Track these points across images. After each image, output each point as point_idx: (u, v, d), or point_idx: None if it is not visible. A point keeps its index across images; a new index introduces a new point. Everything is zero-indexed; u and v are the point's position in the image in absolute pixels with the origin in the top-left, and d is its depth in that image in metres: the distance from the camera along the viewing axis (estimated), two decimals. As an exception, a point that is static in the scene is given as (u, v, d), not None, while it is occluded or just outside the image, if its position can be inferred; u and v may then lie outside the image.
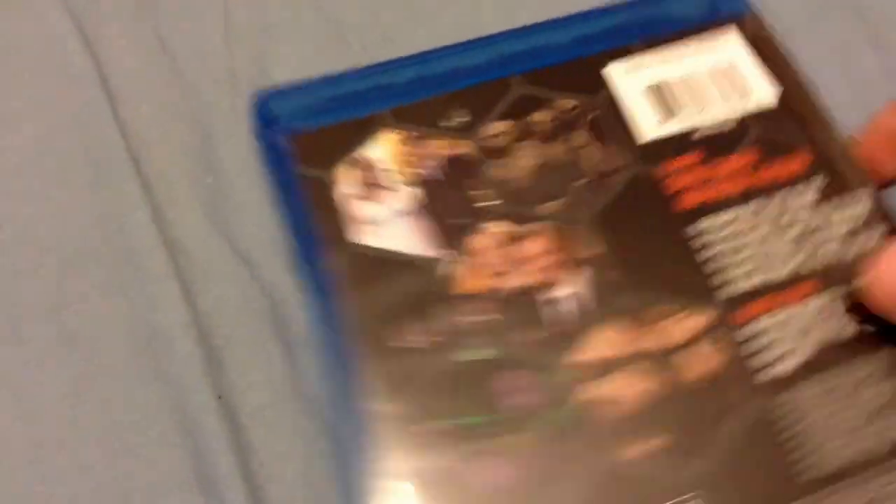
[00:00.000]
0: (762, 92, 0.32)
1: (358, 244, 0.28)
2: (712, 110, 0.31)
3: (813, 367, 0.27)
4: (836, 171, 0.30)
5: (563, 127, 0.31)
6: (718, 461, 0.26)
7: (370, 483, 0.25)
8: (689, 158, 0.31)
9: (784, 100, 0.32)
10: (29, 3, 0.36)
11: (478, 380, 0.27)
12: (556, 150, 0.31)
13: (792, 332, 0.28)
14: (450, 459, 0.25)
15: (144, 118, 0.34)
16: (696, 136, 0.31)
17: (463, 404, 0.26)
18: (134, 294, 0.31)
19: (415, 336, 0.27)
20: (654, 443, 0.26)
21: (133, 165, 0.33)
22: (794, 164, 0.30)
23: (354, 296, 0.28)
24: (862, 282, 0.27)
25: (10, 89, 0.35)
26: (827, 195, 0.30)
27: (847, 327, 0.28)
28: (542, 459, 0.26)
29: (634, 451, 0.26)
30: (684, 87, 0.32)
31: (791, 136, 0.31)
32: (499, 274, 0.28)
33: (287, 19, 0.37)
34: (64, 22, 0.35)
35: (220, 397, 0.29)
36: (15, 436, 0.29)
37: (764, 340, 0.27)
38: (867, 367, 0.27)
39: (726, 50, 0.33)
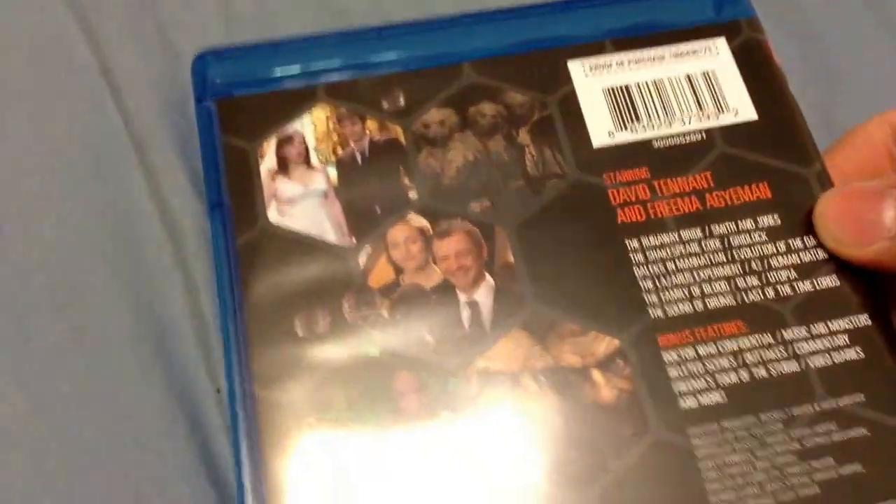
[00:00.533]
0: (740, 108, 0.30)
1: (271, 223, 0.27)
2: (681, 119, 0.29)
3: (729, 407, 0.25)
4: (791, 212, 0.28)
5: (508, 123, 0.29)
6: (613, 490, 0.24)
7: (260, 471, 0.24)
8: (638, 172, 0.28)
9: (761, 121, 0.29)
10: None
11: (379, 376, 0.25)
12: (495, 146, 0.29)
13: (709, 369, 0.25)
14: (341, 454, 0.24)
15: (146, 109, 0.34)
16: (656, 145, 0.29)
17: (361, 399, 0.25)
18: (139, 287, 0.31)
19: (318, 325, 0.26)
20: (550, 467, 0.24)
21: (136, 156, 0.33)
22: (750, 195, 0.28)
23: (261, 277, 0.27)
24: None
25: (11, 81, 0.34)
26: (776, 236, 0.27)
27: (769, 371, 0.25)
28: (437, 464, 0.24)
29: (527, 470, 0.24)
30: (654, 92, 0.30)
31: (756, 163, 0.28)
32: (411, 270, 0.27)
33: (287, 8, 0.37)
34: (65, 13, 0.35)
35: (217, 391, 0.29)
36: (24, 430, 0.29)
37: (678, 372, 0.25)
38: (783, 415, 0.25)
39: (712, 58, 0.30)
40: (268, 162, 0.28)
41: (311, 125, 0.29)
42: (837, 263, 0.27)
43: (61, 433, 0.28)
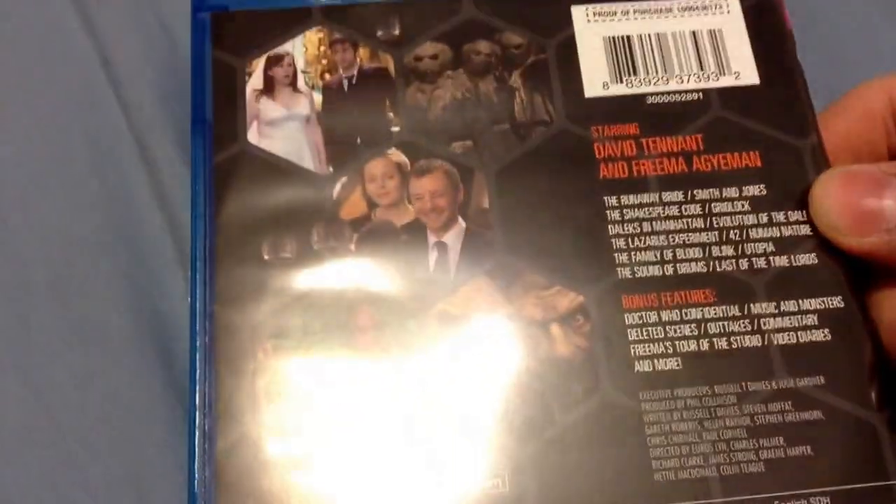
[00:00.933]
0: (743, 71, 0.29)
1: (250, 144, 0.27)
2: (679, 76, 0.28)
3: (684, 375, 0.25)
4: (778, 184, 0.27)
5: (501, 64, 0.29)
6: (556, 444, 0.24)
7: (213, 390, 0.24)
8: (628, 128, 0.28)
9: (762, 86, 0.28)
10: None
11: (339, 309, 0.25)
12: (485, 86, 0.28)
13: (670, 335, 0.25)
14: (293, 380, 0.25)
15: (147, 101, 0.33)
16: (650, 101, 0.28)
17: (319, 330, 0.25)
18: (140, 279, 0.31)
19: (285, 250, 0.26)
20: (497, 414, 0.24)
21: (137, 149, 0.33)
22: (739, 162, 0.27)
23: (234, 196, 0.27)
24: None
25: (10, 73, 0.34)
26: (759, 207, 0.27)
27: (731, 344, 0.25)
28: (386, 402, 0.24)
29: (474, 415, 0.24)
30: (655, 45, 0.29)
31: (750, 130, 0.28)
32: (384, 206, 0.27)
33: None
34: (65, 4, 0.34)
35: None
36: (24, 422, 0.29)
37: (637, 335, 0.25)
38: (738, 389, 0.25)
39: (722, 16, 0.29)
40: (255, 81, 0.28)
41: (303, 47, 0.28)
42: (818, 241, 0.26)
43: (60, 425, 0.29)
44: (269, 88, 0.28)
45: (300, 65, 0.28)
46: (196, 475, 0.23)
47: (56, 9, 0.34)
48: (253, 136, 0.27)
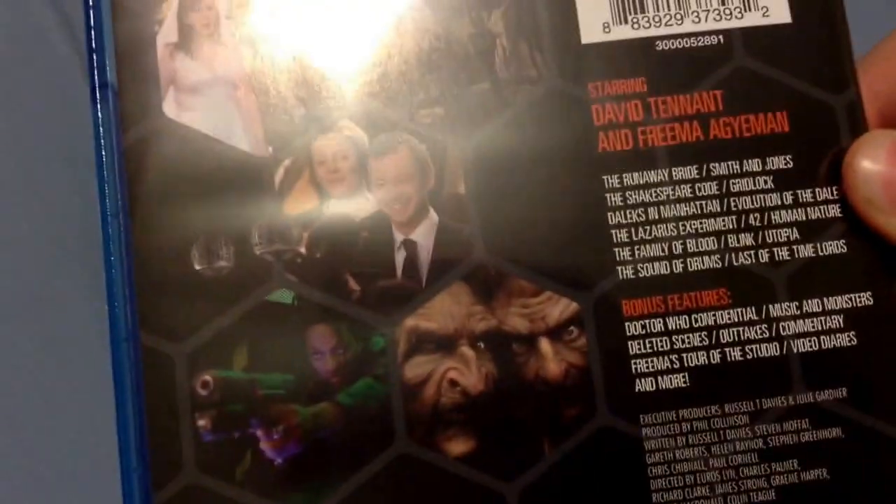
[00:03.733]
0: (772, 5, 0.23)
1: (167, 118, 0.22)
2: (696, 13, 0.23)
3: (691, 393, 0.22)
4: (807, 153, 0.23)
5: (478, 0, 0.23)
6: (551, 476, 0.21)
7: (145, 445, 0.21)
8: (633, 84, 0.23)
9: (794, 26, 0.23)
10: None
11: (290, 329, 0.21)
12: (458, 31, 0.23)
13: (676, 347, 0.22)
14: (237, 417, 0.21)
15: None
16: (660, 47, 0.23)
17: (268, 357, 0.21)
18: None
19: (220, 256, 0.21)
20: (479, 444, 0.21)
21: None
22: (764, 127, 0.23)
23: (151, 190, 0.22)
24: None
25: None
26: (784, 184, 0.22)
27: (745, 354, 0.22)
28: (342, 440, 0.21)
29: (454, 448, 0.21)
30: (667, -30, 0.23)
31: (777, 83, 0.23)
32: (341, 194, 0.22)
33: None
34: (46, 11, 0.33)
35: None
36: None
37: (640, 348, 0.22)
38: (751, 407, 0.22)
39: (745, -77, 0.24)
40: (167, 32, 0.22)
41: (226, -19, 0.22)
42: (849, 225, 0.22)
43: (30, 447, 0.28)
44: (185, 41, 0.22)
45: (223, 7, 0.22)
46: (134, 535, 0.20)
47: (37, 16, 0.33)
48: (170, 108, 0.22)
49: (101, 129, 0.21)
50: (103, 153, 0.21)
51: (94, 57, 0.22)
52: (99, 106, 0.21)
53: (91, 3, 0.22)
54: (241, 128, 0.22)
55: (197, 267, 0.21)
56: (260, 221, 0.22)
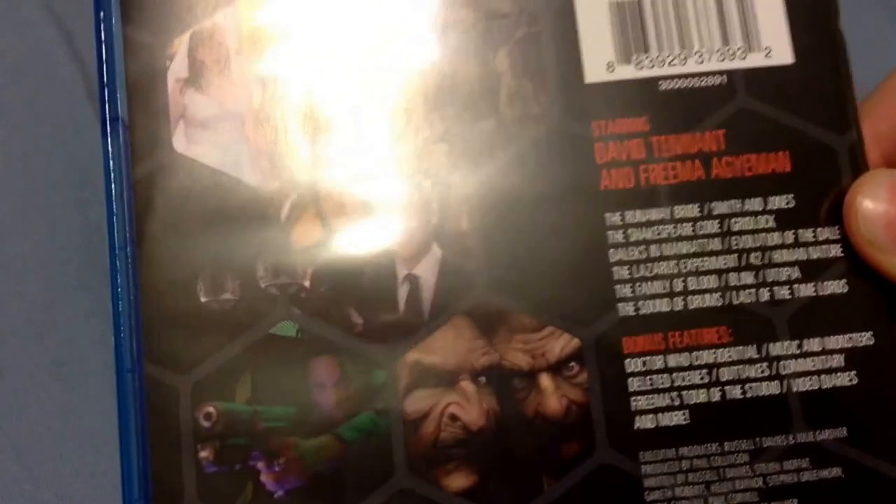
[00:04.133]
0: (775, 47, 0.24)
1: (177, 153, 0.22)
2: (699, 54, 0.23)
3: (692, 431, 0.22)
4: (809, 193, 0.23)
5: (485, 37, 0.23)
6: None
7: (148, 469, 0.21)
8: (636, 123, 0.23)
9: (797, 67, 0.23)
10: (14, 11, 0.32)
11: (293, 361, 0.22)
12: (464, 70, 0.23)
13: (677, 384, 0.22)
14: (251, 446, 0.21)
15: None
16: (663, 87, 0.23)
17: (270, 389, 0.21)
18: None
19: (225, 289, 0.22)
20: (479, 479, 0.21)
21: None
22: (766, 167, 0.23)
23: (161, 224, 0.22)
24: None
25: None
26: (786, 223, 0.23)
27: (745, 392, 0.22)
28: (342, 474, 0.21)
29: (454, 483, 0.21)
30: (672, 12, 0.23)
31: (779, 124, 0.23)
32: (346, 228, 0.22)
33: None
34: (50, 30, 0.32)
35: None
36: None
37: (640, 385, 0.22)
38: (751, 446, 0.22)
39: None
40: (177, 67, 0.22)
41: (238, 18, 0.23)
42: (850, 265, 0.23)
43: (36, 472, 0.27)
44: (196, 77, 0.23)
45: (232, 43, 0.23)
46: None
47: (41, 34, 0.32)
48: (179, 143, 0.22)
49: (111, 162, 0.22)
50: (113, 186, 0.22)
51: (106, 91, 0.22)
52: (110, 140, 0.22)
53: (103, 39, 0.22)
54: (248, 162, 0.22)
55: (203, 299, 0.22)
56: (265, 255, 0.22)
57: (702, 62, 0.23)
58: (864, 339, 0.22)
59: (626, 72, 0.23)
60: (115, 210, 0.22)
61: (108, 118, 0.22)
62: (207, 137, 0.22)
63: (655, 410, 0.22)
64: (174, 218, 0.22)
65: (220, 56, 0.23)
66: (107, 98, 0.22)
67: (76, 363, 0.29)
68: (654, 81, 0.23)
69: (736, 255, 0.23)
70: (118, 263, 0.21)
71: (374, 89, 0.23)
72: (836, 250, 0.23)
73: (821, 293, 0.23)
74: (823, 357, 0.22)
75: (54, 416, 0.28)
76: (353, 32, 0.23)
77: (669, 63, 0.23)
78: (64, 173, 0.31)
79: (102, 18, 0.22)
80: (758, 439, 0.22)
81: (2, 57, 0.32)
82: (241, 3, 0.23)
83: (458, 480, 0.21)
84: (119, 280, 0.21)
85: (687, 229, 0.23)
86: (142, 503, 0.21)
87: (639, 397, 0.22)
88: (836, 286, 0.23)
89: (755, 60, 0.23)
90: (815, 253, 0.23)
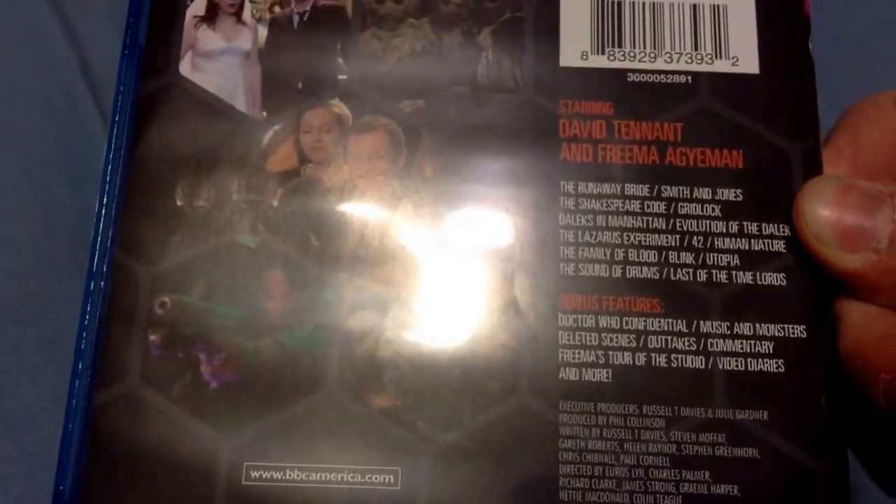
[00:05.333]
0: (742, 56, 0.25)
1: (181, 76, 0.25)
2: (668, 54, 0.25)
3: (612, 390, 0.23)
4: (759, 191, 0.24)
5: (472, 17, 0.26)
6: (467, 442, 0.22)
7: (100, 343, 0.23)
8: (601, 106, 0.25)
9: (761, 77, 0.25)
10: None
11: (250, 270, 0.23)
12: (449, 41, 0.25)
13: (604, 344, 0.23)
14: (194, 338, 0.23)
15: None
16: (631, 79, 0.25)
17: (224, 289, 0.23)
18: None
19: (200, 197, 0.24)
20: (403, 401, 0.22)
21: None
22: (719, 161, 0.24)
23: (154, 131, 0.24)
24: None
25: None
26: (732, 214, 0.24)
27: (670, 362, 0.23)
28: (275, 377, 0.23)
29: (378, 402, 0.23)
30: (648, 15, 0.26)
31: (737, 125, 0.25)
32: (319, 161, 0.24)
33: None
34: (42, 8, 0.32)
35: None
36: None
37: (568, 339, 0.23)
38: (668, 413, 0.22)
39: (730, -11, 0.26)
40: (196, 6, 0.25)
41: (255, -27, 0.26)
42: (791, 260, 0.24)
43: (32, 453, 0.27)
44: (210, 17, 0.25)
45: (249, -8, 0.26)
46: (71, 427, 0.22)
47: (33, 12, 0.32)
48: (185, 68, 0.25)
49: (124, 78, 0.24)
50: (120, 98, 0.24)
51: (130, 19, 0.25)
52: (126, 61, 0.25)
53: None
54: (242, 93, 0.25)
55: (179, 203, 0.24)
56: (242, 172, 0.24)
57: (670, 62, 0.25)
58: (797, 331, 0.23)
59: (599, 61, 0.25)
60: (117, 119, 0.24)
61: (128, 41, 0.25)
62: (210, 67, 0.25)
63: (580, 364, 0.23)
64: (169, 130, 0.24)
65: (235, 1, 0.25)
66: (131, 25, 0.25)
67: (70, 342, 0.28)
68: (623, 72, 0.25)
69: (678, 235, 0.24)
70: (111, 163, 0.24)
71: (365, 48, 0.25)
72: (779, 245, 0.24)
73: (759, 283, 0.23)
74: (753, 341, 0.23)
75: (48, 396, 0.28)
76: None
77: (640, 59, 0.25)
78: (57, 152, 0.31)
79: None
80: (677, 408, 0.22)
81: None
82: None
83: (383, 400, 0.22)
84: (108, 180, 0.24)
85: (635, 206, 0.24)
86: (89, 372, 0.22)
87: (566, 350, 0.23)
88: (774, 278, 0.23)
89: (721, 67, 0.25)
90: (758, 245, 0.24)
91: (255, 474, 0.22)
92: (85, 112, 0.31)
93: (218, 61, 0.25)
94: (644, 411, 0.22)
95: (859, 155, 0.24)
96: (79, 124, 0.31)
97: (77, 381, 0.22)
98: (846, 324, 0.22)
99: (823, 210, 0.23)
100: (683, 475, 0.22)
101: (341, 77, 0.25)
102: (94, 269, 0.23)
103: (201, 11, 0.25)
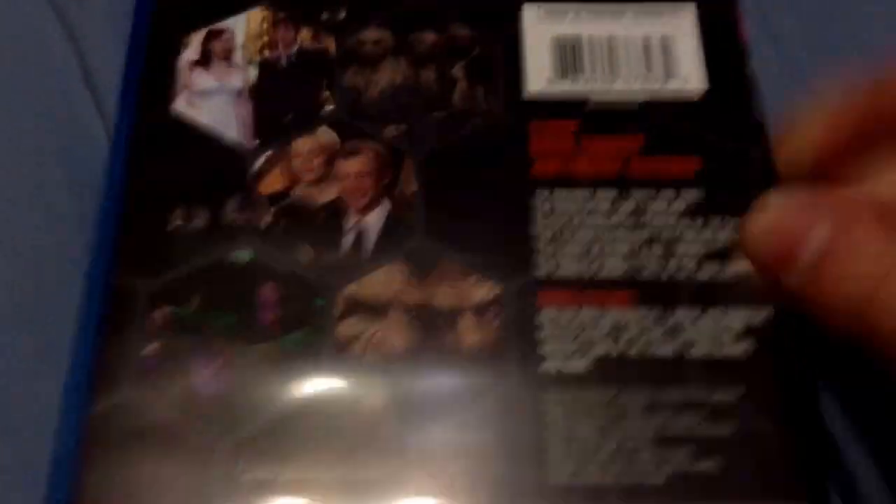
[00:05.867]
0: (689, 81, 0.28)
1: (177, 112, 0.27)
2: (623, 82, 0.28)
3: (592, 378, 0.24)
4: (719, 191, 0.26)
5: (445, 54, 0.28)
6: (445, 438, 0.23)
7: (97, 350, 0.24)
8: (567, 124, 0.27)
9: (710, 93, 0.27)
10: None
11: (244, 284, 0.25)
12: (426, 75, 0.28)
13: (583, 336, 0.24)
14: (189, 349, 0.24)
15: None
16: (589, 106, 0.27)
17: (219, 303, 0.24)
18: None
19: (196, 220, 0.25)
20: (391, 398, 0.23)
21: None
22: (679, 167, 0.26)
23: (151, 162, 0.26)
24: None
25: None
26: (696, 211, 0.26)
27: (646, 350, 0.24)
28: (274, 379, 0.24)
29: (370, 401, 0.23)
30: (605, 48, 0.28)
31: (693, 135, 0.27)
32: (309, 182, 0.26)
33: None
34: (44, 12, 0.32)
35: None
36: None
37: (550, 332, 0.24)
38: (648, 396, 0.24)
39: (675, 24, 0.29)
40: (190, 52, 0.28)
41: (245, 23, 0.28)
42: None
43: (28, 465, 0.26)
44: (204, 61, 0.28)
45: (239, 40, 0.28)
46: (65, 438, 0.23)
47: (35, 16, 0.32)
48: (180, 105, 0.27)
49: (122, 113, 0.26)
50: (120, 129, 0.26)
51: (129, 62, 0.27)
52: (125, 98, 0.27)
53: (137, 24, 0.28)
54: (235, 125, 0.27)
55: (178, 223, 0.25)
56: (236, 195, 0.26)
57: (627, 85, 0.28)
58: (763, 314, 0.24)
59: (563, 85, 0.28)
60: (116, 149, 0.26)
61: (126, 81, 0.27)
62: (204, 104, 0.27)
63: (562, 356, 0.24)
64: (165, 159, 0.26)
65: (227, 48, 0.28)
66: (130, 67, 0.27)
67: (66, 349, 0.27)
68: (585, 95, 0.27)
69: (647, 232, 0.25)
70: (109, 189, 0.25)
71: (350, 77, 0.27)
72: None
73: (725, 272, 0.25)
74: (723, 326, 0.24)
75: (43, 404, 0.26)
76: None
77: (598, 82, 0.28)
78: (57, 154, 0.30)
79: (140, 10, 0.28)
80: (654, 392, 0.24)
81: None
82: (251, 13, 0.28)
83: (374, 401, 0.23)
84: (107, 205, 0.25)
85: (604, 206, 0.26)
86: (84, 381, 0.23)
87: (547, 343, 0.24)
88: (741, 267, 0.25)
89: (673, 85, 0.28)
90: (722, 236, 0.25)
91: (250, 481, 0.23)
92: (85, 116, 0.30)
93: (212, 99, 0.27)
94: (624, 397, 0.23)
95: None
96: (79, 127, 0.30)
97: (73, 391, 0.23)
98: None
99: (759, 228, 0.22)
100: (666, 455, 0.23)
101: (328, 107, 0.27)
102: (92, 281, 0.24)
103: (196, 56, 0.28)
